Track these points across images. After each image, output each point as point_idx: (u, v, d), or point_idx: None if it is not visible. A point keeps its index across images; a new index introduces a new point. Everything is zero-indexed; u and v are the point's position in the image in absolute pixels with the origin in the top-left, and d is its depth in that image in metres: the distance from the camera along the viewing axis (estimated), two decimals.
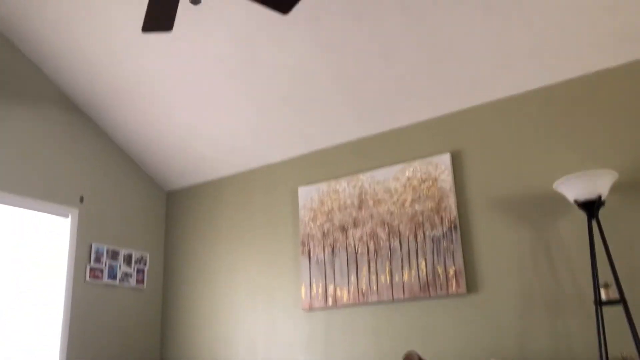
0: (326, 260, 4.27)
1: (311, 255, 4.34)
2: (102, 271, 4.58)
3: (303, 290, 4.31)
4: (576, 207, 3.30)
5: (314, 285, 4.27)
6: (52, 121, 4.47)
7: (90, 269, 4.50)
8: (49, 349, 4.17)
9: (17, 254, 4.11)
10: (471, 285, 3.70)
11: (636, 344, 2.96)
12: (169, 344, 4.95)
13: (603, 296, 3.13)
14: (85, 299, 4.44)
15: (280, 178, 4.75)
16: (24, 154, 4.24)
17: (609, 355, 3.11)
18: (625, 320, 3.02)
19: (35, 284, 4.18)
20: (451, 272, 3.75)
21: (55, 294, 4.29)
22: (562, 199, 3.48)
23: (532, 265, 3.54)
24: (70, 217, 4.46)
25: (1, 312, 3.95)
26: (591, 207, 3.16)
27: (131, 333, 4.74)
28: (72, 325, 4.30)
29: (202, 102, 4.37)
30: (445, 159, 3.93)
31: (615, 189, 3.32)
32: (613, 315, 3.16)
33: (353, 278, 4.12)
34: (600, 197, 3.14)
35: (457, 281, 3.71)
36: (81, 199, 4.56)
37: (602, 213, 3.29)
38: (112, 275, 4.66)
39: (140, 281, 4.88)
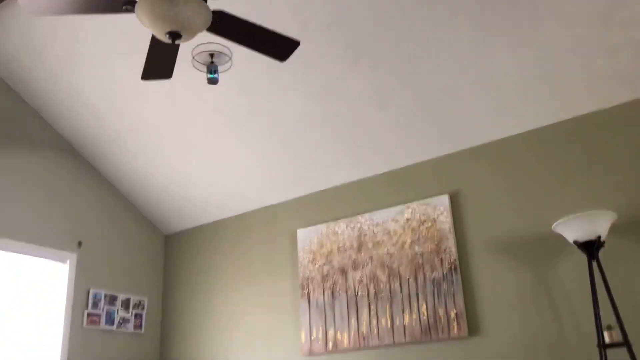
0: (326, 303, 4.22)
1: (311, 298, 4.30)
2: (99, 317, 4.53)
3: (303, 335, 4.25)
4: (576, 248, 3.29)
5: (313, 330, 4.22)
6: (51, 166, 4.49)
7: (87, 314, 4.45)
8: None
9: (14, 299, 4.07)
10: (473, 328, 3.65)
11: None
12: None
13: (607, 339, 3.09)
14: (82, 345, 4.37)
15: (278, 220, 4.74)
16: (22, 199, 4.25)
17: None
18: None
19: (32, 330, 4.13)
20: (452, 314, 3.70)
21: (53, 340, 4.22)
22: (561, 239, 3.47)
23: (533, 307, 3.50)
24: (68, 262, 4.43)
25: None
26: (591, 248, 3.15)
27: None
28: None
29: (201, 148, 4.40)
30: (443, 200, 3.94)
31: (613, 229, 3.31)
32: (617, 358, 3.10)
33: (353, 321, 4.07)
34: (599, 237, 3.13)
35: (458, 324, 3.67)
36: (79, 244, 4.55)
37: (602, 253, 3.27)
38: (110, 320, 4.60)
39: (138, 326, 4.82)
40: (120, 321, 4.68)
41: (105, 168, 4.83)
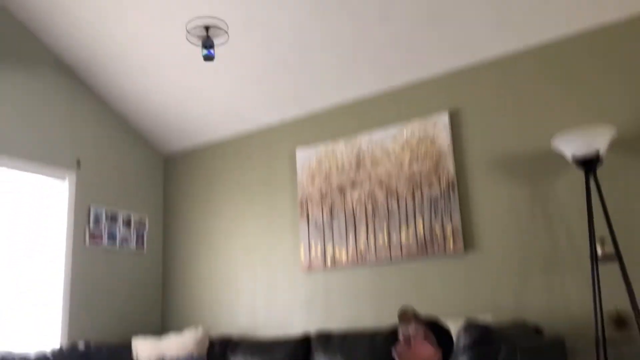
0: (324, 222, 4.28)
1: (309, 217, 4.35)
2: (101, 235, 4.60)
3: (302, 252, 4.34)
4: (574, 164, 3.29)
5: (312, 247, 4.30)
6: (47, 84, 4.43)
7: (89, 232, 4.51)
8: (51, 313, 4.21)
9: (15, 217, 4.13)
10: (468, 244, 3.72)
11: (631, 299, 2.99)
12: (170, 306, 5.00)
13: (599, 252, 3.15)
14: (85, 263, 4.46)
15: (277, 140, 4.72)
16: (19, 116, 4.22)
17: (604, 310, 3.14)
18: (620, 276, 3.04)
19: (35, 247, 4.21)
20: (448, 231, 3.76)
21: (56, 258, 4.31)
22: (560, 156, 3.46)
23: (529, 223, 3.55)
24: (67, 180, 4.46)
25: (1, 276, 3.98)
26: (589, 164, 3.15)
27: (132, 296, 4.79)
28: (73, 289, 4.33)
29: (197, 64, 4.32)
30: (443, 118, 3.90)
31: (613, 145, 3.30)
32: (608, 271, 3.18)
33: (351, 239, 4.14)
34: (598, 153, 3.13)
35: (454, 240, 3.73)
36: (78, 163, 4.55)
37: (599, 170, 3.27)
38: (112, 239, 4.68)
39: (139, 244, 4.90)
40: (122, 239, 4.75)
41: (101, 87, 4.77)
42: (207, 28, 3.27)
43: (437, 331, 2.31)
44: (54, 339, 4.15)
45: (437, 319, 2.38)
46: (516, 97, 3.71)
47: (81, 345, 4.05)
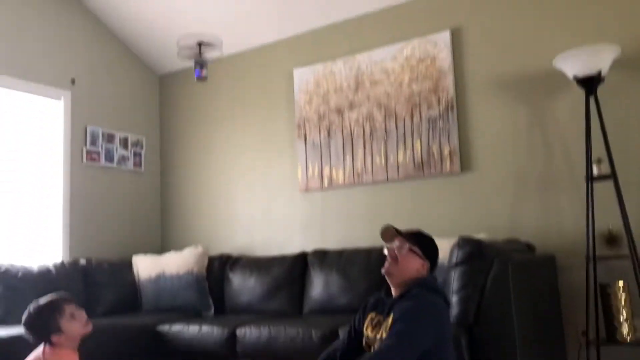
0: (322, 142, 4.27)
1: (307, 138, 4.34)
2: (98, 154, 4.60)
3: (299, 172, 4.36)
4: (575, 84, 3.25)
5: (310, 167, 4.31)
6: (41, 2, 4.29)
7: (86, 151, 4.51)
8: (52, 230, 4.27)
9: (12, 136, 4.10)
10: (465, 164, 3.73)
11: (623, 217, 3.04)
12: (169, 226, 5.07)
13: (595, 171, 3.17)
14: (83, 181, 4.48)
15: (275, 60, 4.64)
16: (14, 35, 4.11)
17: (596, 230, 3.20)
18: (614, 196, 3.07)
19: (33, 166, 4.21)
20: (446, 151, 3.76)
21: (54, 176, 4.33)
22: (561, 76, 3.41)
23: (526, 143, 3.56)
24: (62, 99, 4.40)
25: (2, 194, 4.01)
26: (590, 83, 3.11)
27: (132, 216, 4.85)
28: (72, 207, 4.37)
29: None
30: (444, 37, 3.82)
31: (616, 65, 3.24)
32: (603, 191, 3.21)
33: (348, 159, 4.15)
34: (600, 72, 3.08)
35: (451, 160, 3.74)
36: (72, 81, 4.48)
37: (600, 90, 3.24)
38: (109, 158, 4.68)
39: (137, 164, 4.91)
40: (120, 159, 4.76)
41: (96, 6, 4.61)
42: (199, 44, 3.20)
43: (421, 242, 2.36)
44: (56, 255, 4.24)
45: (420, 230, 2.41)
46: (519, 15, 3.62)
47: (82, 261, 4.14)
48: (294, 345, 3.18)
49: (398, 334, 2.14)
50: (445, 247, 3.06)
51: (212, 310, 4.16)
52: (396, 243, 2.35)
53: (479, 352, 2.66)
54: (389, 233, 2.38)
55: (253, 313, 3.93)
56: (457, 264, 2.80)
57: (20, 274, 3.65)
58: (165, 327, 3.67)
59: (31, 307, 2.38)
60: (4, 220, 4.01)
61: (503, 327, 2.63)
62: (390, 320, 2.25)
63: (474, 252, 2.76)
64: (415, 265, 2.32)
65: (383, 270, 2.35)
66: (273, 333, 3.28)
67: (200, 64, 2.81)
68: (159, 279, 4.22)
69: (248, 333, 3.37)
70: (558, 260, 3.35)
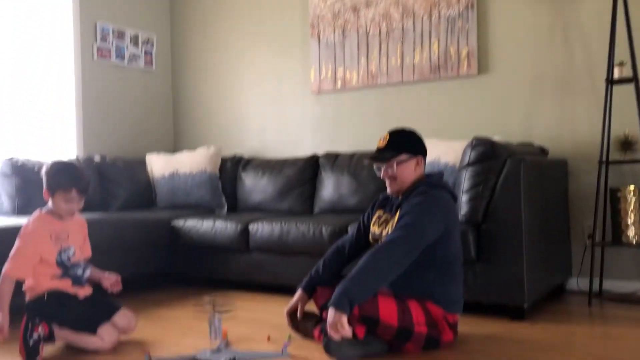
0: (336, 42, 4.17)
1: (320, 37, 4.24)
2: (109, 51, 4.53)
3: (312, 74, 4.29)
4: None
5: (323, 69, 4.24)
6: None
7: (97, 48, 4.44)
8: (66, 127, 4.30)
9: (23, 33, 4.04)
10: (483, 66, 3.65)
11: None
12: (182, 127, 5.08)
13: (616, 74, 3.09)
14: (95, 79, 4.45)
15: None
16: None
17: (612, 134, 3.17)
18: (634, 100, 3.02)
19: (44, 64, 4.17)
20: (464, 53, 3.67)
21: (66, 74, 4.29)
22: None
23: (547, 45, 3.45)
24: None
25: (15, 96, 4.00)
26: None
27: (144, 115, 4.84)
28: (85, 103, 4.37)
29: None
30: None
31: None
32: (622, 95, 3.15)
33: (363, 60, 4.06)
34: None
35: (469, 62, 3.66)
36: None
37: None
38: (120, 55, 4.61)
39: (149, 63, 4.85)
40: (131, 57, 4.69)
41: None
42: None
43: (402, 144, 2.36)
44: (70, 152, 4.29)
45: (394, 133, 2.41)
46: None
47: (97, 158, 4.19)
48: (304, 241, 3.27)
49: (406, 226, 2.19)
50: (458, 149, 3.07)
51: (225, 209, 4.25)
52: (385, 165, 2.37)
53: (486, 249, 2.73)
54: (377, 161, 2.38)
55: (265, 212, 4.01)
56: (469, 164, 2.80)
57: (36, 168, 3.71)
58: (179, 222, 3.77)
59: (54, 162, 2.49)
60: (19, 117, 4.02)
61: (511, 225, 2.68)
62: (397, 217, 2.29)
63: (487, 151, 2.75)
64: (410, 169, 2.35)
65: (389, 192, 2.40)
66: (284, 229, 3.36)
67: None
68: (173, 177, 4.28)
69: (260, 228, 3.45)
70: (570, 165, 3.35)
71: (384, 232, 2.37)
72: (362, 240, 2.56)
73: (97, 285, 2.57)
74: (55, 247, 2.41)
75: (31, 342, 2.20)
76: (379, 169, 2.40)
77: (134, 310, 2.63)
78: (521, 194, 2.66)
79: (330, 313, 2.06)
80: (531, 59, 3.50)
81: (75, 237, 2.51)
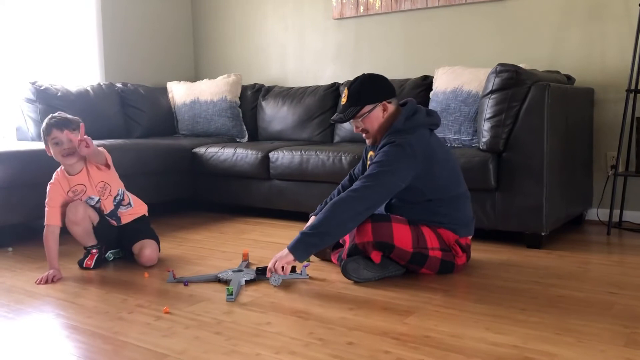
0: None
1: None
2: None
3: None
4: None
5: None
6: None
7: None
8: (88, 54, 4.29)
9: None
10: None
11: None
12: (202, 55, 5.04)
13: None
14: (115, 5, 4.40)
15: None
16: None
17: None
18: None
19: None
20: None
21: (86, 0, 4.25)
22: None
23: None
24: None
25: (39, 23, 3.98)
26: None
27: (164, 42, 4.80)
28: (105, 32, 4.34)
29: None
30: None
31: None
32: None
33: None
34: None
35: None
36: None
37: None
38: None
39: None
40: None
41: None
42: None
43: (361, 95, 2.29)
44: (92, 79, 4.30)
45: (350, 84, 2.33)
46: None
47: (119, 85, 4.21)
48: (324, 168, 3.29)
49: (369, 176, 2.19)
50: (482, 77, 3.00)
51: (246, 137, 4.27)
52: (354, 121, 2.32)
53: (506, 177, 2.72)
54: (345, 118, 2.32)
55: (285, 141, 4.02)
56: (492, 91, 2.75)
57: (59, 93, 3.74)
58: (201, 150, 3.81)
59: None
60: (41, 42, 4.02)
61: (533, 154, 2.65)
62: None
63: (511, 78, 2.69)
64: (378, 117, 2.30)
65: (367, 144, 2.38)
66: (304, 157, 3.38)
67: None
68: (194, 104, 4.29)
69: (280, 156, 3.47)
70: (597, 94, 3.27)
71: None
72: None
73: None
74: (75, 200, 2.50)
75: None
76: (354, 124, 2.36)
77: (158, 234, 2.71)
78: (545, 122, 2.62)
79: (283, 253, 2.14)
80: None
81: (94, 187, 2.51)
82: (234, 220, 3.58)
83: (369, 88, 2.30)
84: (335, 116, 2.39)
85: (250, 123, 4.34)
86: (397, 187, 2.19)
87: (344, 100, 2.33)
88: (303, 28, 4.42)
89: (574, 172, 3.03)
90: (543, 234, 2.70)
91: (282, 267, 2.15)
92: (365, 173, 2.21)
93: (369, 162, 2.39)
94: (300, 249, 2.14)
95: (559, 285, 2.15)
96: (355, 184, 2.19)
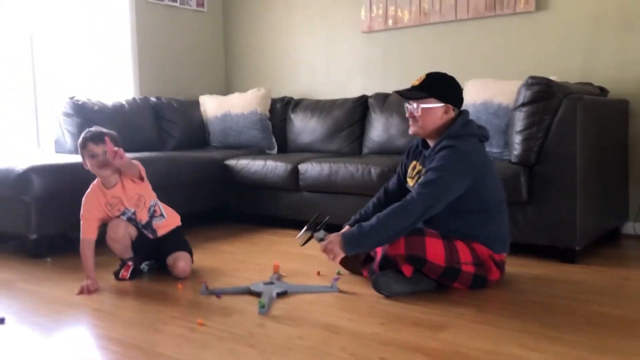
0: None
1: None
2: None
3: (362, 12, 4.20)
4: None
5: (374, 7, 4.14)
6: None
7: None
8: (123, 70, 4.40)
9: None
10: (541, 2, 3.49)
11: None
12: (233, 68, 5.11)
13: None
14: (149, 21, 4.50)
15: None
16: None
17: None
18: None
19: (101, 8, 4.24)
20: None
21: (121, 16, 4.35)
22: None
23: None
24: None
25: (76, 39, 4.11)
26: None
27: (196, 57, 4.89)
28: (140, 47, 4.44)
29: None
30: None
31: None
32: None
33: None
34: None
35: None
36: None
37: None
38: None
39: (200, 4, 4.86)
40: None
41: None
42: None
43: (435, 89, 2.30)
44: (127, 93, 4.40)
45: (431, 75, 2.34)
46: None
47: (153, 99, 4.30)
48: (353, 181, 3.30)
49: (427, 184, 2.19)
50: (513, 89, 2.99)
51: (276, 149, 4.32)
52: (413, 104, 2.31)
53: (538, 190, 2.69)
54: (399, 98, 2.33)
55: (314, 153, 4.05)
56: (524, 104, 2.73)
57: (96, 107, 3.85)
58: (232, 162, 3.86)
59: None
60: (79, 59, 4.14)
61: (565, 167, 2.62)
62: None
63: (542, 90, 2.67)
64: (435, 116, 2.30)
65: (410, 131, 2.36)
66: (333, 169, 3.40)
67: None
68: (225, 117, 4.36)
69: (310, 168, 3.50)
70: (631, 105, 3.22)
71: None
72: (404, 188, 2.56)
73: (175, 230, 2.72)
74: (111, 212, 2.57)
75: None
76: (409, 104, 2.36)
77: (191, 244, 2.75)
78: (577, 135, 2.59)
79: (335, 240, 2.18)
80: None
81: (130, 199, 2.57)
82: (264, 232, 3.62)
83: (444, 85, 2.32)
84: (401, 90, 2.38)
85: (280, 135, 4.38)
86: (456, 192, 2.19)
87: (416, 82, 2.33)
88: (332, 42, 4.46)
89: (609, 185, 2.98)
90: (577, 248, 2.66)
91: (331, 255, 2.20)
92: (423, 179, 2.21)
93: (414, 172, 2.40)
94: (353, 243, 2.18)
95: (595, 302, 2.12)
96: (415, 191, 2.19)
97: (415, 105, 2.31)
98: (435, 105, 2.29)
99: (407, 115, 2.36)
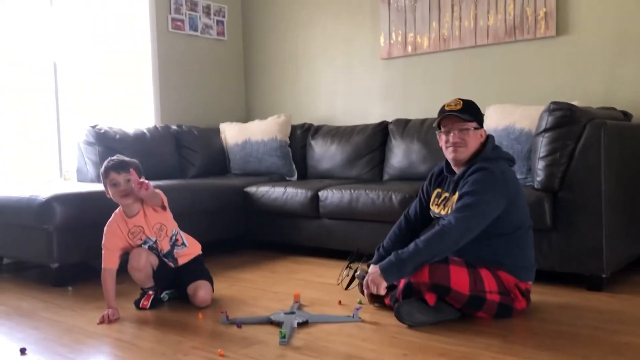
0: (407, 6, 4.08)
1: (391, 2, 4.16)
2: (183, 22, 4.64)
3: (382, 39, 4.23)
4: None
5: (392, 33, 4.17)
6: None
7: (171, 19, 4.56)
8: (144, 98, 4.47)
9: (101, 11, 4.20)
10: (562, 27, 3.48)
11: None
12: (253, 95, 5.16)
13: None
14: (170, 49, 4.58)
15: None
16: None
17: None
18: None
19: (121, 34, 4.34)
20: (541, 13, 3.51)
21: (142, 43, 4.44)
22: None
23: (632, 1, 3.24)
24: None
25: (97, 68, 4.19)
26: None
27: (217, 85, 4.95)
28: (161, 76, 4.51)
29: None
30: None
31: None
32: None
33: (435, 24, 3.96)
34: None
35: (546, 23, 3.49)
36: None
37: None
38: (193, 26, 4.72)
39: (220, 33, 4.93)
40: (204, 27, 4.79)
41: None
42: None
43: (474, 112, 2.30)
44: (148, 121, 4.46)
45: (466, 101, 2.31)
46: None
47: (174, 127, 4.35)
48: (374, 207, 3.28)
49: (465, 207, 2.16)
50: (534, 115, 2.96)
51: (296, 176, 4.32)
52: (464, 127, 2.28)
53: (563, 217, 2.65)
54: (451, 121, 2.29)
55: (334, 179, 4.05)
56: (546, 129, 2.70)
57: (117, 136, 3.90)
58: (252, 189, 3.86)
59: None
60: (101, 88, 4.22)
61: (590, 193, 2.57)
62: (456, 196, 2.25)
63: (565, 116, 2.64)
64: (477, 139, 2.31)
65: (451, 157, 2.32)
66: (354, 195, 3.38)
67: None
68: (245, 145, 4.38)
69: (330, 195, 3.49)
70: None
71: (443, 212, 2.34)
72: (426, 215, 2.54)
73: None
74: (133, 241, 2.57)
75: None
76: (448, 133, 2.32)
77: (211, 272, 2.74)
78: (601, 161, 2.55)
79: (375, 272, 2.17)
80: (615, 17, 3.30)
81: (151, 228, 2.57)
82: (284, 259, 3.60)
83: (478, 109, 2.34)
84: (453, 111, 2.27)
85: (300, 161, 4.39)
86: (493, 214, 2.17)
87: (455, 107, 2.27)
88: (351, 68, 4.48)
89: (636, 211, 2.92)
90: (604, 276, 2.60)
91: (374, 288, 2.20)
92: (460, 204, 2.18)
93: (440, 199, 2.37)
94: (391, 272, 2.17)
95: (623, 332, 2.06)
96: (452, 216, 2.17)
97: (466, 128, 2.28)
98: (477, 127, 2.29)
99: (449, 140, 2.30)
